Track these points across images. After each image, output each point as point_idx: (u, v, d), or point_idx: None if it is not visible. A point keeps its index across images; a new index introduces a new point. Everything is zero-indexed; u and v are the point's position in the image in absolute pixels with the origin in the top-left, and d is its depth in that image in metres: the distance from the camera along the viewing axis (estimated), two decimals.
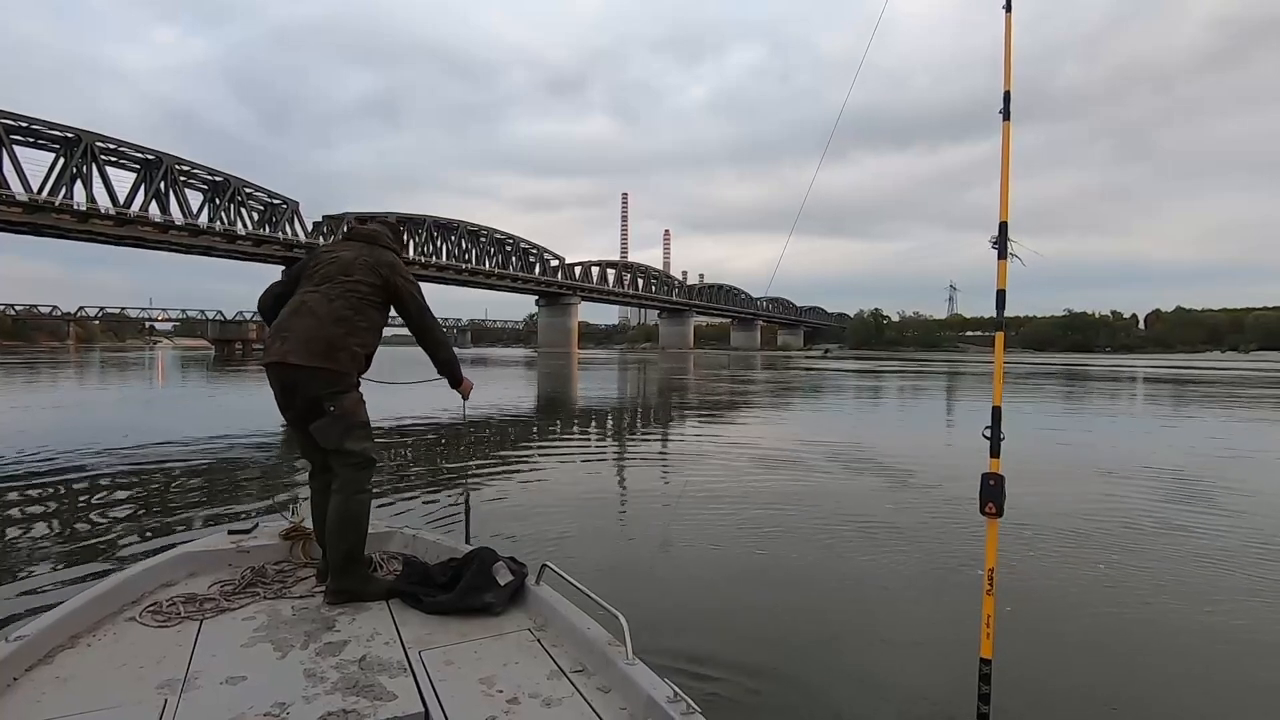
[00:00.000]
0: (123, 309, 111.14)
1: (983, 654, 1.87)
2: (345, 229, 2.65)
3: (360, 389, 2.36)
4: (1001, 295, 1.78)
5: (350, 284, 2.33)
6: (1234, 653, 2.85)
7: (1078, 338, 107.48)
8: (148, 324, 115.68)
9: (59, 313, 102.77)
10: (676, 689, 1.46)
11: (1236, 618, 3.18)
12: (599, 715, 1.49)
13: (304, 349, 2.20)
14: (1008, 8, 1.87)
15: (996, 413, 1.83)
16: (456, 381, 2.57)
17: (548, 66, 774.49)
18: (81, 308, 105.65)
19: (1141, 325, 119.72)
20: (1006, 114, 1.82)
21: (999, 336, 1.83)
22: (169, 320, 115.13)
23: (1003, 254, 1.75)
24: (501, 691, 1.59)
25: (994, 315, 1.82)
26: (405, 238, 2.94)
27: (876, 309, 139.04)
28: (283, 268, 69.48)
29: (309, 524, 2.48)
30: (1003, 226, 1.77)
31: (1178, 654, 2.87)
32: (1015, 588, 3.37)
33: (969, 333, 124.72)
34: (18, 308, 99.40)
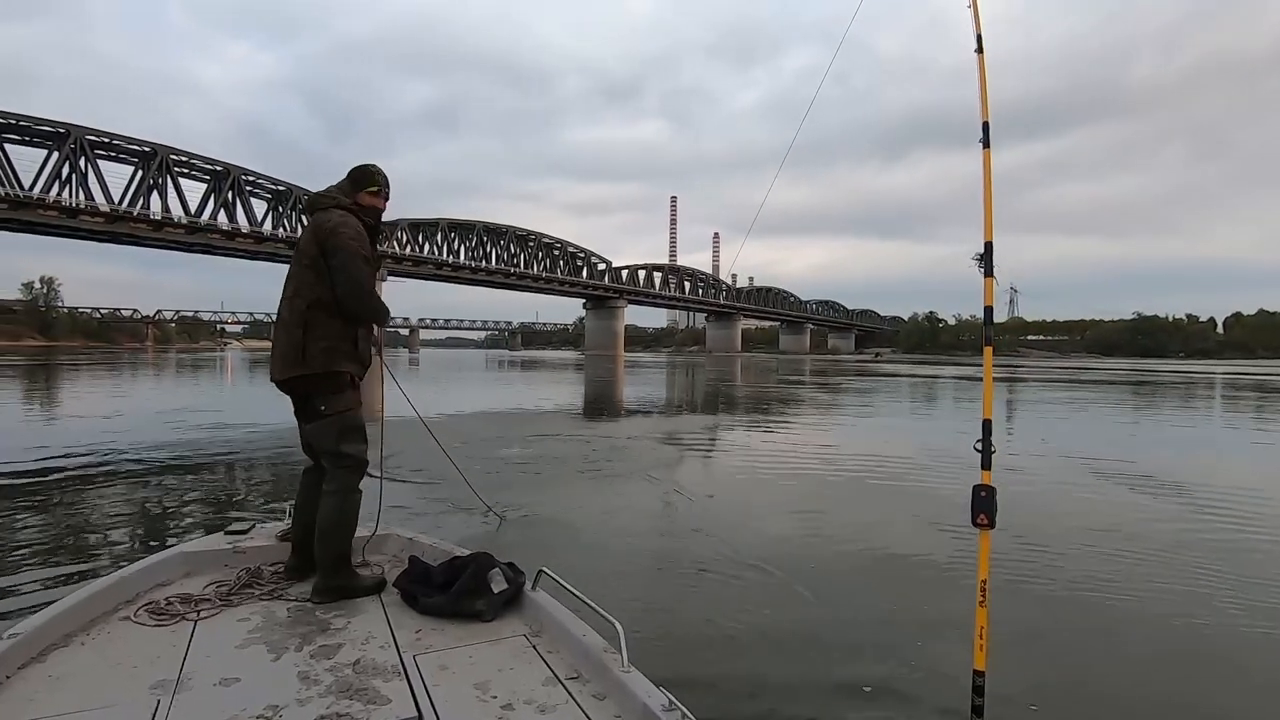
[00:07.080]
0: (195, 312, 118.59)
1: (976, 666, 1.88)
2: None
3: (356, 388, 2.32)
4: (989, 312, 1.82)
5: (298, 276, 2.23)
6: None
7: (1147, 342, 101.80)
8: (219, 326, 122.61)
9: (138, 315, 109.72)
10: (672, 698, 1.44)
11: None
12: None
13: (280, 363, 2.24)
14: (979, 49, 1.90)
15: (987, 425, 1.84)
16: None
17: (602, 73, 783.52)
18: (159, 311, 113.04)
19: (1220, 329, 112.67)
20: (986, 143, 1.87)
21: (987, 351, 1.85)
22: (238, 323, 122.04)
23: (989, 271, 1.78)
24: (496, 697, 1.58)
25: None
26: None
27: (931, 312, 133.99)
28: None
29: None
30: (988, 246, 1.80)
31: None
32: None
33: (1029, 336, 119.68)
34: (102, 311, 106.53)
